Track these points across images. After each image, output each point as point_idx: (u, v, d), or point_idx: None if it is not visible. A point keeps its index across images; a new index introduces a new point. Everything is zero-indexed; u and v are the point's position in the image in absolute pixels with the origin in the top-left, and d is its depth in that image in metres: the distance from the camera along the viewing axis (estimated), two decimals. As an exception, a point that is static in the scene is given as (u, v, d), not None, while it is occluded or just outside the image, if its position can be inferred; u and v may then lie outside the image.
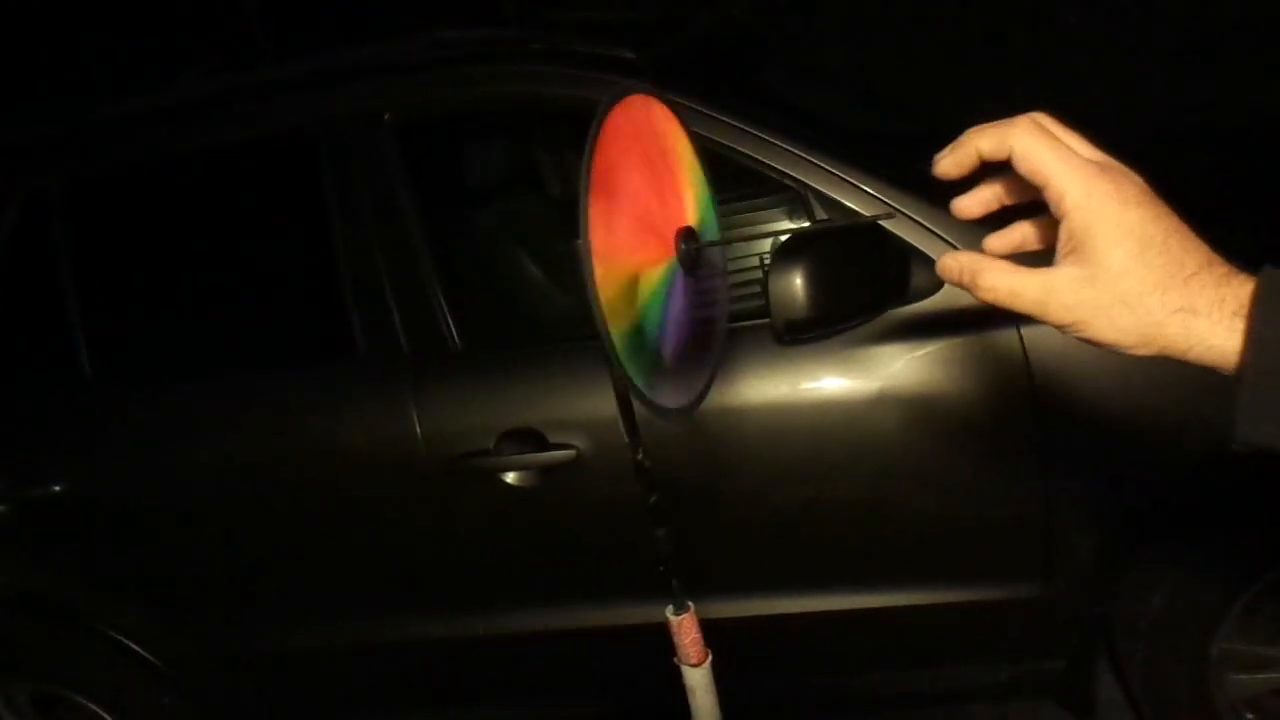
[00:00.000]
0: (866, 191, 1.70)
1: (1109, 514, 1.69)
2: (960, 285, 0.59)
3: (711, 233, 0.80)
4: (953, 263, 0.60)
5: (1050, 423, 1.65)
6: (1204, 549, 1.73)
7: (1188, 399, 1.53)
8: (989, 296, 0.58)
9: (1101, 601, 1.78)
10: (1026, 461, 1.69)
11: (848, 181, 1.71)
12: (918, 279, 1.67)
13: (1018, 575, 1.75)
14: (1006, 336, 1.64)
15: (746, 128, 1.72)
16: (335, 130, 1.90)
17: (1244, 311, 0.52)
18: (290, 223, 2.10)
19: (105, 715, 2.13)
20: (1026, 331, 1.63)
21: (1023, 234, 0.63)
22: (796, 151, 1.72)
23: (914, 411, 1.68)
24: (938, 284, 1.67)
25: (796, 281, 1.51)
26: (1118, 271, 0.54)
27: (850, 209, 1.70)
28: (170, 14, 4.65)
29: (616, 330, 0.69)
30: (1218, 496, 1.67)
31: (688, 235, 0.76)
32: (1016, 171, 0.57)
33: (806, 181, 1.72)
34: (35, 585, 2.07)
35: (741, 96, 1.95)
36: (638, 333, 0.73)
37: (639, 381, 0.71)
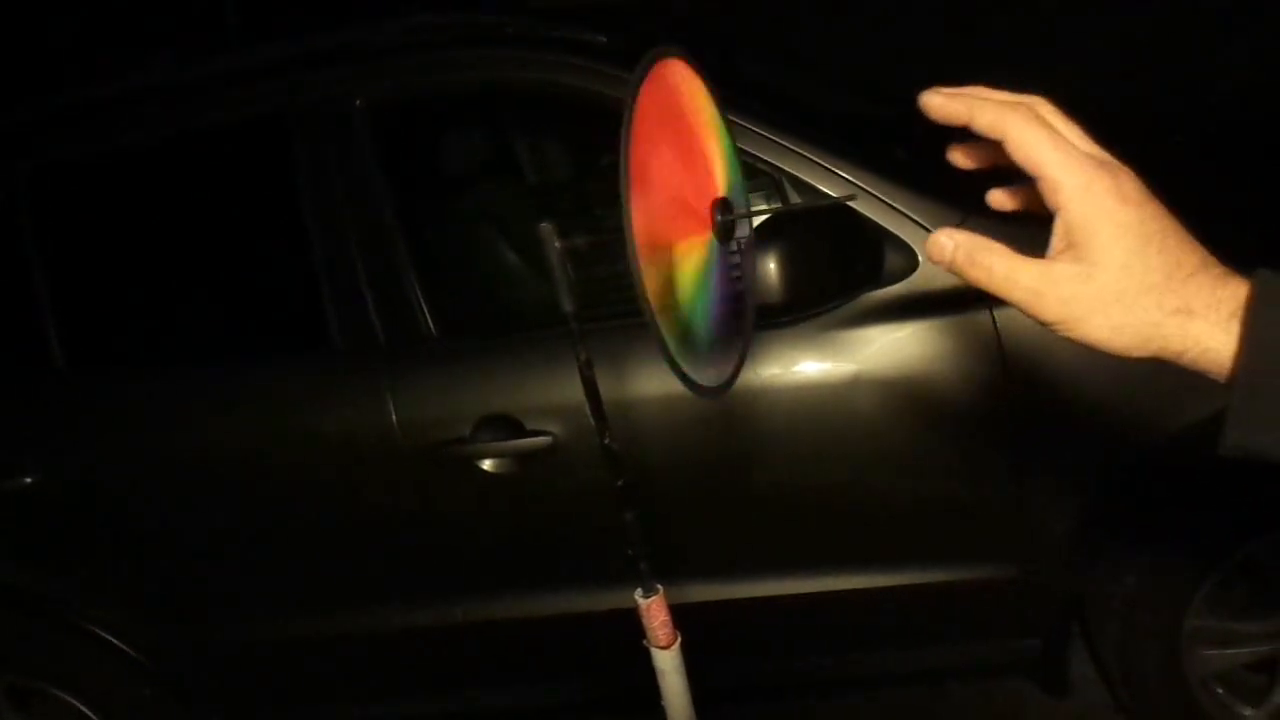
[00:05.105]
0: (841, 176, 1.70)
1: (1082, 494, 1.70)
2: (950, 265, 0.56)
3: (740, 199, 0.77)
4: (946, 240, 0.56)
5: (1023, 404, 1.66)
6: (1175, 528, 1.75)
7: (1157, 380, 1.54)
8: (981, 277, 0.55)
9: (1075, 581, 1.80)
10: (1001, 442, 1.70)
11: (822, 166, 1.71)
12: (891, 262, 1.68)
13: (993, 556, 1.77)
14: (980, 319, 1.64)
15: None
16: (307, 117, 1.88)
17: (1240, 314, 0.51)
18: (263, 211, 2.08)
19: (83, 708, 2.12)
20: (1000, 314, 1.63)
21: (1028, 194, 0.60)
22: (771, 136, 1.72)
23: (888, 394, 1.69)
24: (911, 267, 1.67)
25: (770, 266, 1.51)
26: (1117, 269, 0.52)
27: (825, 194, 1.70)
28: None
29: (664, 319, 0.65)
30: (1188, 476, 1.69)
31: (723, 206, 0.73)
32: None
33: (781, 166, 1.72)
34: (9, 578, 2.06)
35: (716, 81, 1.94)
36: (685, 314, 0.69)
37: (685, 365, 0.67)
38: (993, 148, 0.59)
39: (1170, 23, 3.84)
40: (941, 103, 0.57)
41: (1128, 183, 0.54)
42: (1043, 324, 0.55)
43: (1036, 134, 0.54)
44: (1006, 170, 0.61)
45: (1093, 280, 0.53)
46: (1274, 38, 3.64)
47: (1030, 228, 0.59)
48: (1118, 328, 0.53)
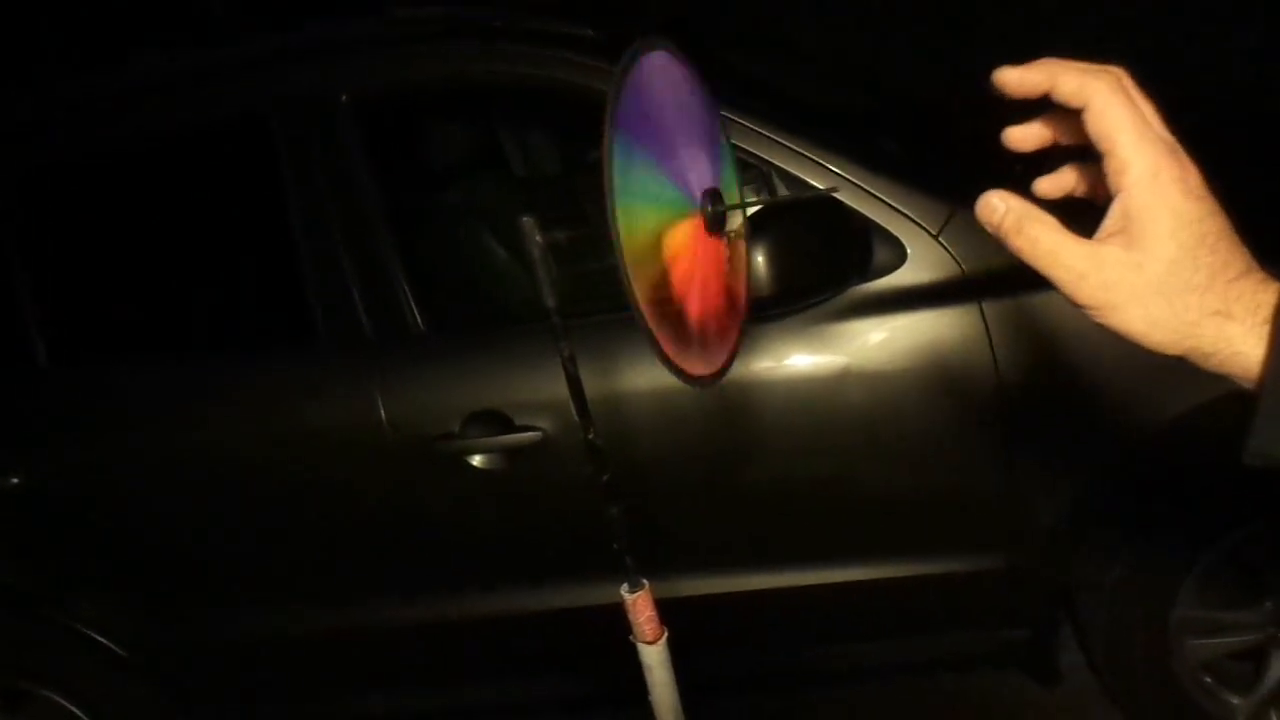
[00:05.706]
0: (829, 169, 1.70)
1: (1070, 485, 1.71)
2: (997, 229, 0.55)
3: (732, 190, 0.77)
4: (999, 203, 0.54)
5: (1012, 396, 1.66)
6: (1162, 518, 1.76)
7: (1145, 372, 1.54)
8: (1025, 247, 0.54)
9: (1064, 571, 1.80)
10: (990, 435, 1.70)
11: (810, 159, 1.70)
12: (880, 255, 1.67)
13: (982, 547, 1.77)
14: (969, 311, 1.65)
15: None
16: (291, 112, 1.87)
17: (1271, 320, 0.50)
18: (249, 207, 2.07)
19: (75, 710, 2.11)
20: (988, 306, 1.64)
21: (1075, 179, 0.59)
22: (759, 130, 1.71)
23: (877, 387, 1.69)
24: (900, 259, 1.67)
25: (758, 259, 1.50)
26: (1167, 263, 0.51)
27: (814, 187, 1.70)
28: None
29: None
30: (1175, 466, 1.69)
31: (713, 197, 0.72)
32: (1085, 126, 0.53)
33: (769, 159, 1.72)
34: (-3, 579, 2.05)
35: (704, 74, 1.93)
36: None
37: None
38: (1052, 127, 0.58)
39: (1170, 22, 3.85)
40: (1019, 75, 0.55)
41: (1193, 175, 0.52)
42: (1077, 306, 0.54)
43: (1118, 107, 0.52)
44: (1042, 155, 0.60)
45: (1141, 270, 0.51)
46: (1275, 37, 3.64)
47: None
48: (1155, 322, 0.52)
